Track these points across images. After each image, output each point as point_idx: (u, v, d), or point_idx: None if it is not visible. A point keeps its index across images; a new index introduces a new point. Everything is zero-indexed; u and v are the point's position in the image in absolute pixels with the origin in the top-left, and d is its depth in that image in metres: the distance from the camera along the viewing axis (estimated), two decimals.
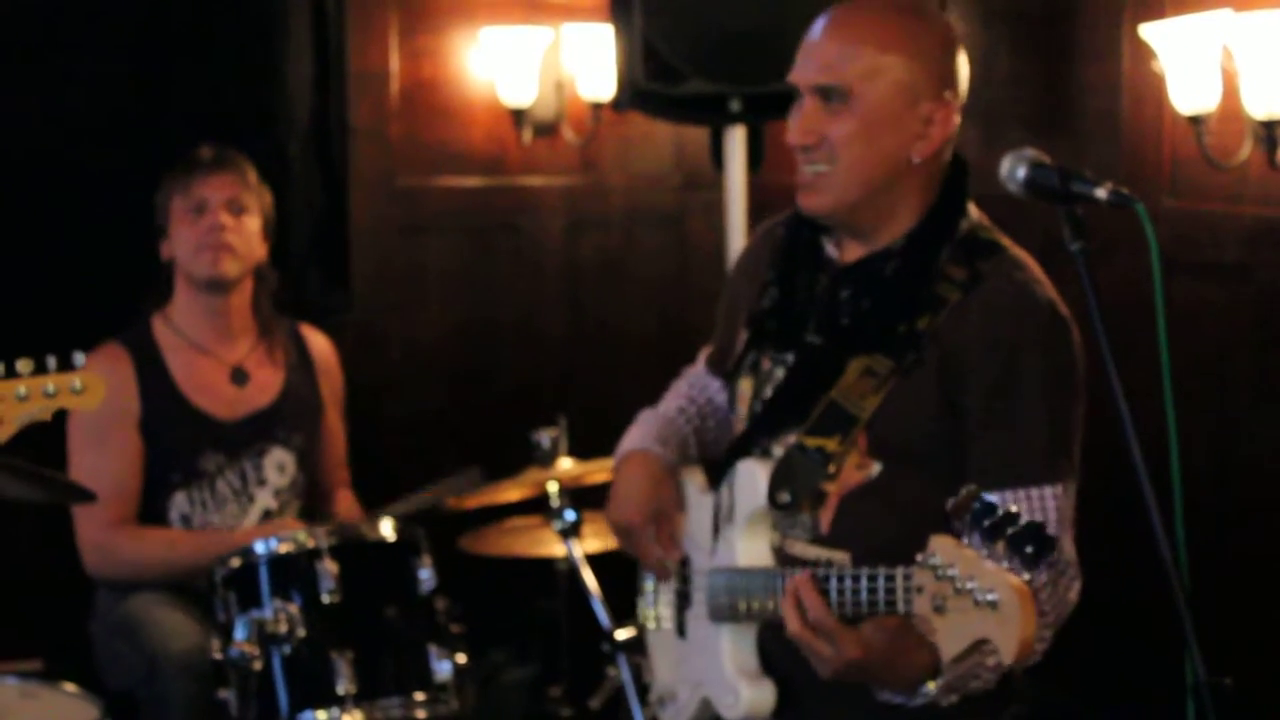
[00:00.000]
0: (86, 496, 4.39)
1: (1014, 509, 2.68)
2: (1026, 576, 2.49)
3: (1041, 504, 2.91)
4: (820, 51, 2.99)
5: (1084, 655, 3.54)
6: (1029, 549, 2.51)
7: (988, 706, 3.04)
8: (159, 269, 4.75)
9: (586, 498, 4.51)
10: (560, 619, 4.99)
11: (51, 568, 4.83)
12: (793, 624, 2.78)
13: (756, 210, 4.79)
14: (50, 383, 2.69)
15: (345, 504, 4.93)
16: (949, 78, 3.01)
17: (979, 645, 2.54)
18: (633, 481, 3.25)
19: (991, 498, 2.64)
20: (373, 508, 4.75)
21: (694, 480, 3.23)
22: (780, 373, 3.09)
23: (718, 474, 3.15)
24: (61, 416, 2.82)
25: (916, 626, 2.75)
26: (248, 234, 4.71)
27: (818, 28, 3.03)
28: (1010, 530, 2.52)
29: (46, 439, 2.85)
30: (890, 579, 2.66)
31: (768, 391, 3.10)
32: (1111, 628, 4.27)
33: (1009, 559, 2.51)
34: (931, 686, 2.81)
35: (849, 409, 2.96)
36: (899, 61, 2.96)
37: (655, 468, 3.24)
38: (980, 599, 2.48)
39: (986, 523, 2.54)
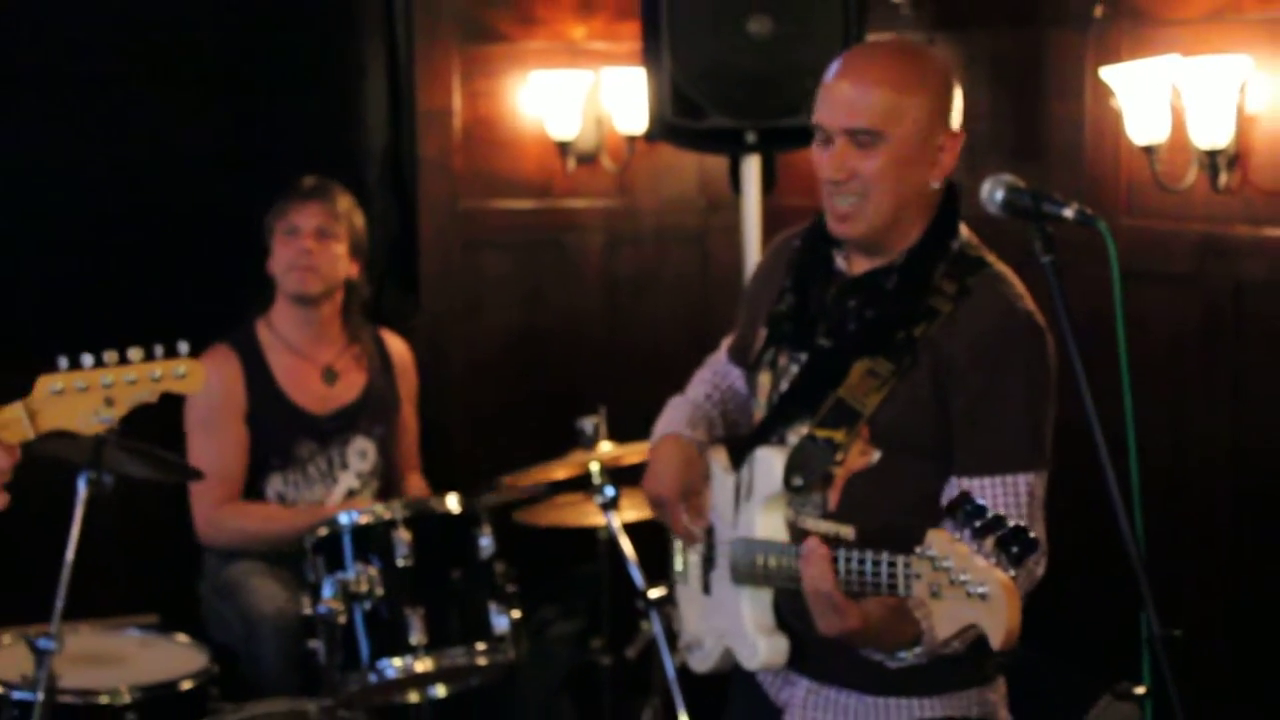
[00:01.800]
0: (196, 475, 4.43)
1: (997, 506, 2.69)
2: (1012, 573, 2.50)
3: (1015, 489, 2.90)
4: (847, 97, 2.94)
5: (1056, 614, 3.54)
6: (1015, 549, 2.52)
7: (975, 659, 3.04)
8: (264, 280, 4.78)
9: (624, 476, 4.51)
10: (601, 580, 4.98)
11: (166, 536, 4.85)
12: (811, 580, 2.79)
13: (770, 229, 4.78)
14: (157, 368, 2.67)
15: (415, 484, 4.95)
16: (953, 110, 3.00)
17: (968, 630, 2.55)
18: (667, 460, 3.23)
19: (977, 495, 2.66)
20: (438, 486, 4.76)
21: (719, 460, 3.22)
22: (795, 369, 3.08)
23: (739, 455, 3.15)
24: (168, 401, 2.81)
25: (911, 607, 2.76)
26: (332, 257, 4.72)
27: (840, 74, 2.98)
28: (999, 531, 2.52)
29: (165, 427, 2.85)
30: (893, 564, 2.65)
31: (784, 385, 3.09)
32: (1079, 590, 4.27)
33: (996, 556, 2.51)
34: (908, 654, 2.82)
35: (854, 405, 2.96)
36: (918, 101, 2.94)
37: (687, 449, 3.23)
38: (973, 591, 2.48)
39: (977, 523, 2.55)
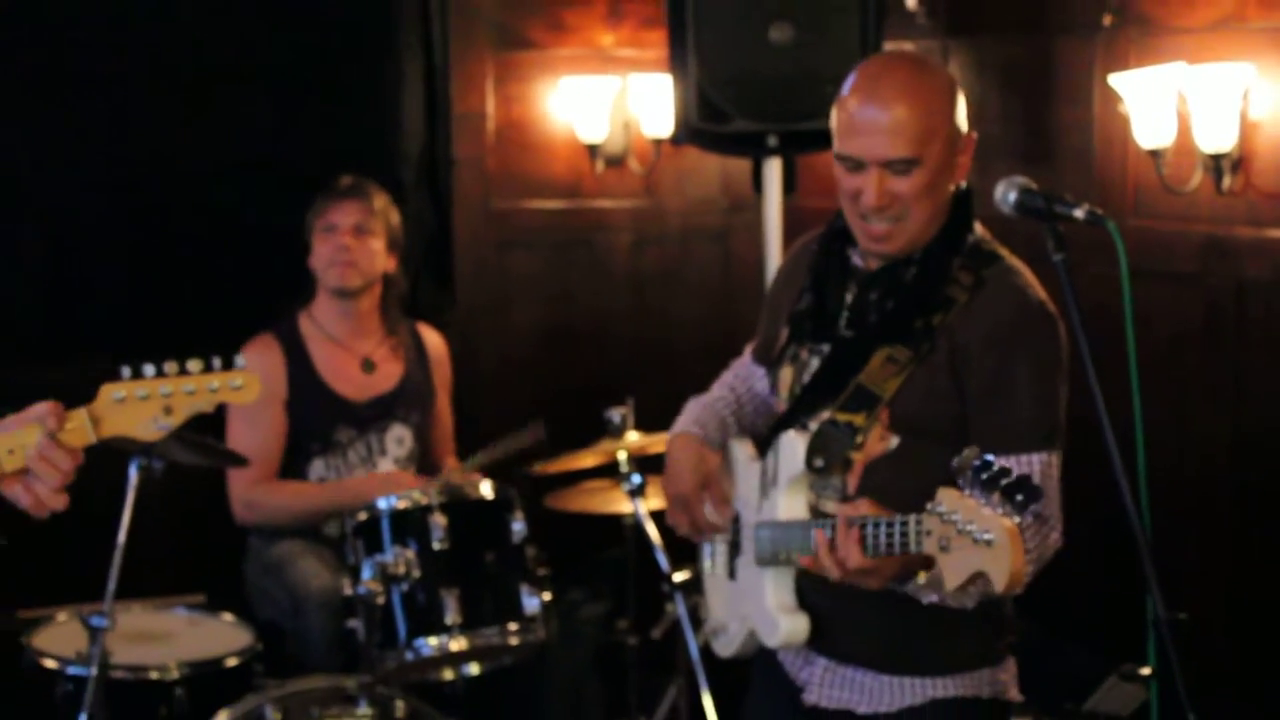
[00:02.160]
0: (240, 461, 4.46)
1: (1008, 466, 2.69)
2: (1017, 519, 2.51)
3: (1030, 468, 2.90)
4: (879, 128, 2.91)
5: (1063, 595, 3.55)
6: (1019, 497, 2.52)
7: (987, 637, 3.06)
8: (306, 275, 4.81)
9: (650, 464, 4.52)
10: (627, 564, 4.98)
11: (212, 520, 4.87)
12: (834, 573, 2.81)
13: (790, 228, 4.79)
14: (215, 380, 2.68)
15: (451, 470, 4.96)
16: (963, 115, 3.00)
17: (976, 578, 2.56)
18: (680, 459, 3.25)
19: (988, 456, 2.67)
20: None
21: (745, 449, 3.24)
22: (816, 362, 3.08)
23: (765, 444, 3.16)
24: None
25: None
26: (369, 253, 4.75)
27: (864, 101, 2.94)
28: (1004, 482, 2.53)
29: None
30: (905, 524, 2.66)
31: (806, 378, 3.09)
32: (1087, 575, 4.28)
33: (1002, 505, 2.52)
34: (922, 579, 2.82)
35: (874, 390, 2.96)
36: (942, 119, 2.93)
37: (698, 446, 3.24)
38: (978, 538, 2.50)
39: (984, 476, 2.56)
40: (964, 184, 3.05)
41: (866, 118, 2.93)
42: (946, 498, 2.57)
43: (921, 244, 3.01)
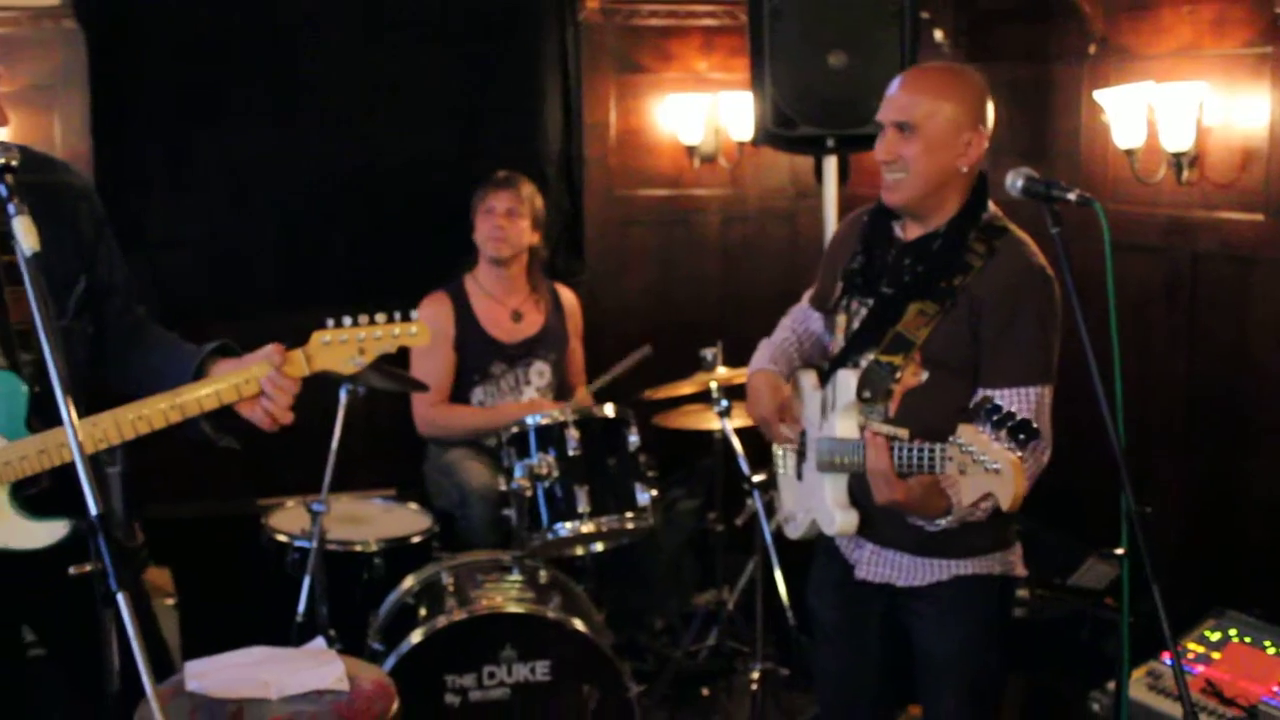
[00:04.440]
0: (422, 388, 4.49)
1: (1014, 409, 2.67)
2: (1019, 454, 2.51)
3: (1029, 398, 2.89)
4: (897, 99, 2.98)
5: (1057, 495, 3.51)
6: (1021, 436, 2.55)
7: (999, 527, 3.03)
8: (471, 246, 4.82)
9: (735, 392, 4.51)
10: (716, 468, 5.00)
11: (401, 433, 4.90)
12: (872, 462, 2.79)
13: (844, 211, 4.70)
14: (396, 328, 2.74)
15: (582, 396, 4.98)
16: (982, 115, 2.98)
17: (986, 496, 2.55)
18: (760, 390, 3.23)
19: (999, 401, 2.64)
20: (598, 397, 4.77)
21: (810, 379, 3.22)
22: (864, 312, 3.07)
23: (825, 376, 3.14)
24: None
25: (944, 483, 2.76)
26: (519, 230, 4.76)
27: (896, 83, 3.01)
28: (1009, 424, 2.55)
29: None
30: (932, 450, 2.67)
31: (855, 324, 3.08)
32: (1075, 477, 4.24)
33: (1008, 442, 2.53)
34: (943, 521, 2.82)
35: (908, 336, 2.95)
36: (949, 105, 2.93)
37: (774, 379, 3.23)
38: (989, 467, 2.50)
39: (995, 418, 2.57)
40: (979, 172, 3.02)
41: (893, 93, 3.00)
42: (965, 432, 2.57)
43: (936, 212, 3.00)
